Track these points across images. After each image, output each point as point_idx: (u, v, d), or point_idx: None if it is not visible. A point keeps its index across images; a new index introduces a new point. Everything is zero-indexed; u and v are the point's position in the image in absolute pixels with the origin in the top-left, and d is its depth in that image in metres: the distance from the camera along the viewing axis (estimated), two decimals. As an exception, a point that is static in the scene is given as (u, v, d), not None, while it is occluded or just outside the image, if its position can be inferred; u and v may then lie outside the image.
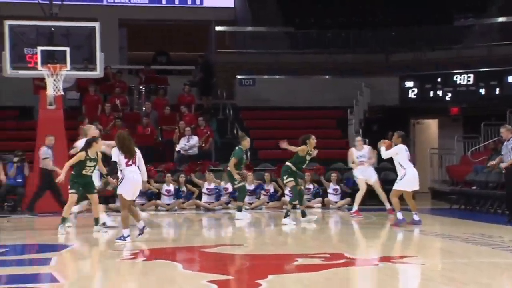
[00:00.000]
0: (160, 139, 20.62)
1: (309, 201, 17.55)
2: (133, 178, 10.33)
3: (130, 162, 10.38)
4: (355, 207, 15.17)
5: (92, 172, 11.86)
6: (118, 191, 10.44)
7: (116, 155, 10.48)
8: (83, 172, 11.70)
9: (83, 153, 11.66)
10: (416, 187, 12.83)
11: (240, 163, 14.48)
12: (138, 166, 10.53)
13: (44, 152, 15.56)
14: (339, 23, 25.23)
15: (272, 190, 18.03)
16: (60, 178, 12.00)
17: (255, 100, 23.25)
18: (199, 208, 17.38)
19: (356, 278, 7.51)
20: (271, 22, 25.43)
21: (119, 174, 10.50)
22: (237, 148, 14.59)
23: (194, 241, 11.50)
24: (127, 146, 10.43)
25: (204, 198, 17.57)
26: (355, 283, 7.34)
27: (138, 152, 10.65)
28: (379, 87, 23.23)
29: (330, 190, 18.15)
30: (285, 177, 13.59)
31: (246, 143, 14.56)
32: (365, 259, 8.68)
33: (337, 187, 18.10)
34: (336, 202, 17.90)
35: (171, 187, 17.42)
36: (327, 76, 24.37)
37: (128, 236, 10.27)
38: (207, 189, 17.55)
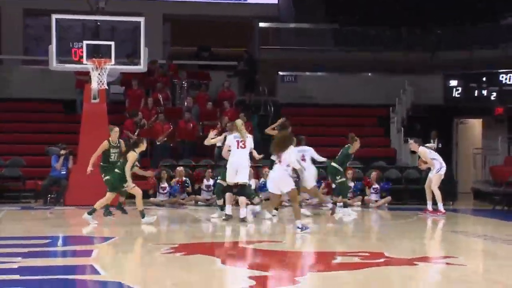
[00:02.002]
0: (201, 134, 20.71)
1: (349, 198, 17.45)
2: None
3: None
4: (440, 206, 14.75)
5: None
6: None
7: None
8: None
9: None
10: None
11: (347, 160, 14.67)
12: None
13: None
14: (383, 20, 25.02)
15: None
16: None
17: (297, 97, 23.19)
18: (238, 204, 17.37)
19: (395, 278, 7.44)
20: (314, 19, 25.33)
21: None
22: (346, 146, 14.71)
23: (233, 236, 11.53)
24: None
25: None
26: (394, 282, 7.28)
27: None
28: (423, 85, 23.00)
29: (370, 189, 18.02)
30: (338, 177, 14.33)
31: (357, 144, 14.51)
32: (405, 258, 8.59)
33: (377, 186, 17.96)
34: (376, 201, 17.78)
35: (211, 182, 17.47)
36: (370, 74, 24.21)
37: (304, 226, 11.04)
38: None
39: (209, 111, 21.02)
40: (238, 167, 12.61)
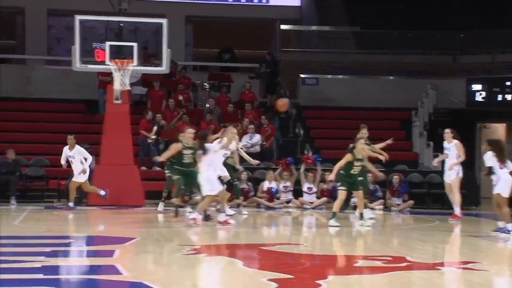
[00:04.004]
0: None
1: (370, 202, 17.39)
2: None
3: (502, 166, 11.57)
4: (457, 210, 14.29)
5: (357, 171, 12.70)
6: (497, 191, 11.53)
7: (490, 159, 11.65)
8: (351, 172, 12.57)
9: (350, 155, 12.50)
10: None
11: None
12: None
13: None
14: (405, 23, 24.92)
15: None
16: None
17: (318, 100, 23.17)
18: (259, 206, 17.42)
19: (417, 283, 7.40)
20: (336, 22, 25.29)
21: (492, 176, 11.64)
22: None
23: (254, 238, 11.53)
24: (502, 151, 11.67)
25: (265, 196, 17.57)
26: (415, 286, 7.23)
27: None
28: (446, 89, 22.88)
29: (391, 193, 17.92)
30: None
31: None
32: (427, 263, 8.54)
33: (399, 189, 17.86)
34: (398, 205, 17.69)
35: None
36: (391, 77, 24.12)
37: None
38: (268, 188, 17.57)
39: (230, 113, 21.04)
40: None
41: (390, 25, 24.71)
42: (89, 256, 8.97)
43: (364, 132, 14.16)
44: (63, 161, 15.64)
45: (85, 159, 15.35)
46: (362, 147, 12.73)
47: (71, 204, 15.36)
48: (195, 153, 12.87)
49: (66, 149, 15.52)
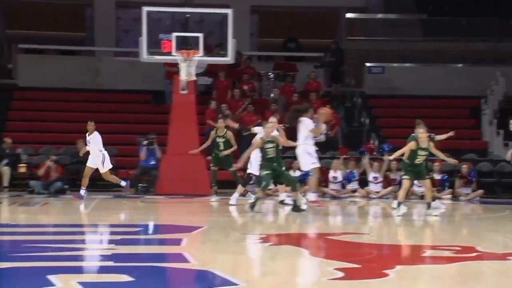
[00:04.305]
0: (288, 125, 20.70)
1: (438, 191, 17.16)
2: None
3: None
4: None
5: (422, 160, 12.41)
6: None
7: None
8: (415, 161, 12.33)
9: (414, 143, 12.29)
10: None
11: None
12: None
13: None
14: (474, 9, 24.41)
15: (398, 179, 17.71)
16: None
17: (384, 88, 22.92)
18: (325, 195, 17.37)
19: (487, 272, 7.27)
20: (403, 9, 24.94)
21: None
22: None
23: (321, 228, 11.50)
24: None
25: (331, 185, 17.54)
26: (486, 277, 7.11)
27: None
28: (516, 76, 22.35)
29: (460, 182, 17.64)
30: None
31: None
32: (498, 253, 8.37)
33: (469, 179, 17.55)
34: (467, 194, 17.39)
35: (297, 174, 17.46)
36: (460, 65, 23.68)
37: None
38: (333, 177, 17.51)
39: (295, 103, 20.99)
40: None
41: (458, 12, 24.24)
42: (157, 244, 9.10)
43: (421, 131, 13.65)
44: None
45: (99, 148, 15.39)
46: (422, 135, 12.36)
47: (82, 191, 15.26)
48: (277, 147, 12.49)
49: (87, 134, 15.74)
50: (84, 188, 15.25)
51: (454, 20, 24.20)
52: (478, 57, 23.58)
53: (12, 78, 23.38)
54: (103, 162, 15.34)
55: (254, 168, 13.61)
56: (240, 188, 13.94)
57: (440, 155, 13.43)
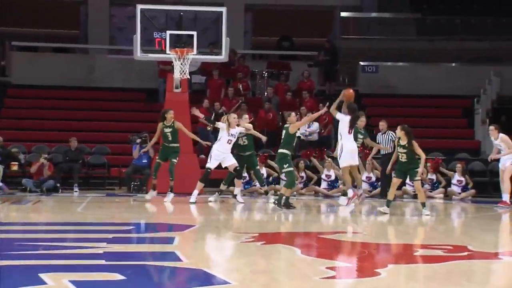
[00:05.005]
0: (281, 124, 20.73)
1: (430, 191, 17.20)
2: None
3: None
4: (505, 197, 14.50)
5: (405, 159, 12.55)
6: None
7: None
8: (400, 159, 12.52)
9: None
10: None
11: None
12: None
13: None
14: (468, 9, 24.45)
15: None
16: None
17: (378, 87, 22.95)
18: (317, 194, 17.38)
19: (478, 271, 7.29)
20: (397, 8, 24.98)
21: None
22: None
23: (312, 227, 11.51)
24: None
25: (323, 184, 17.55)
26: (477, 276, 7.12)
27: None
28: (509, 76, 22.38)
29: (454, 181, 17.67)
30: (285, 165, 12.95)
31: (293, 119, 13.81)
32: (489, 252, 8.40)
33: (462, 178, 17.58)
34: (460, 193, 17.42)
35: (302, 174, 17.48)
36: (453, 64, 23.73)
37: None
38: (326, 175, 17.52)
39: (288, 101, 21.02)
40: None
41: (453, 11, 24.28)
42: (149, 243, 9.09)
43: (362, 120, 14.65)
44: None
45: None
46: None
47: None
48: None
49: None
50: None
51: (448, 19, 24.24)
52: (473, 56, 23.62)
53: (6, 76, 23.34)
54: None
55: (212, 162, 14.01)
56: (199, 185, 14.21)
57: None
